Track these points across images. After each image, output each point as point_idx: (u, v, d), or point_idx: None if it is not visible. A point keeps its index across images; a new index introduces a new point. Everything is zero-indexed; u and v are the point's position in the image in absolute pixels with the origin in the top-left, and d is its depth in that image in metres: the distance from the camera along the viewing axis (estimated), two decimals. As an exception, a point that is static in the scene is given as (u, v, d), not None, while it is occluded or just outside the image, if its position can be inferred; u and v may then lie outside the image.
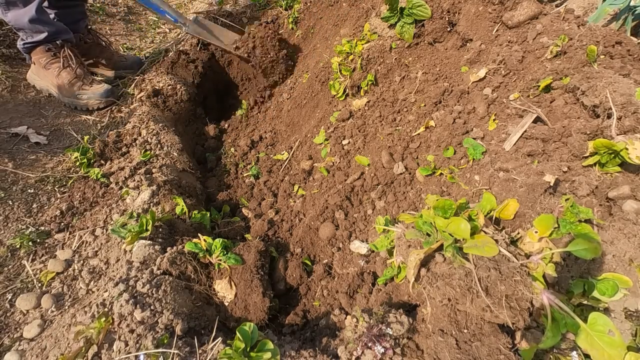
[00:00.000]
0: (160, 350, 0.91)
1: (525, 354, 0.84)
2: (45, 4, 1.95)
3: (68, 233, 1.40)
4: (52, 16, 2.04)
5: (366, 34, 1.87)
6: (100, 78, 2.20)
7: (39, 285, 1.25)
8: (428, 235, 0.93)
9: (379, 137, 1.62)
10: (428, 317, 0.90)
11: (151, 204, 1.42)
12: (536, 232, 0.89)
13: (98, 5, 2.99)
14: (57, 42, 1.98)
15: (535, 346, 0.83)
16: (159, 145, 1.75)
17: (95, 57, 2.27)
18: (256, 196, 1.75)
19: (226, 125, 2.29)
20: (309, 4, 2.48)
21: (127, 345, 0.93)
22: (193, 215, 1.42)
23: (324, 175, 1.65)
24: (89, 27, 2.30)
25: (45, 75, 2.01)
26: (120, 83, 2.24)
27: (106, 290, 1.17)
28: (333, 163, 1.67)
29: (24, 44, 1.96)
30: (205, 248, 1.16)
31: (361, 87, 1.82)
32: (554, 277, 0.88)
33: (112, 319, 0.99)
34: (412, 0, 1.66)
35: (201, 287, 1.13)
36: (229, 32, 2.31)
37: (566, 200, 0.96)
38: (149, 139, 1.76)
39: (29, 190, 1.51)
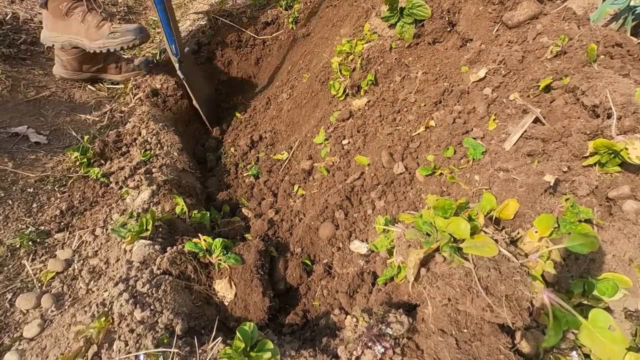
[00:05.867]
0: (160, 349, 0.91)
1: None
2: None
3: (68, 233, 1.40)
4: None
5: (366, 34, 1.87)
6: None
7: (39, 285, 1.25)
8: (428, 235, 0.93)
9: (379, 137, 1.62)
10: (428, 317, 0.90)
11: (151, 204, 1.42)
12: (536, 232, 0.89)
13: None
14: None
15: (539, 347, 0.83)
16: (158, 145, 1.75)
17: (103, 61, 2.23)
18: (256, 196, 1.75)
19: (226, 125, 2.29)
20: (309, 4, 2.48)
21: (127, 344, 0.93)
22: (193, 215, 1.42)
23: (323, 175, 1.65)
24: None
25: (66, 25, 1.82)
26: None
27: (106, 290, 1.17)
28: (333, 163, 1.67)
29: None
30: (205, 248, 1.16)
31: (361, 87, 1.82)
32: (553, 275, 0.88)
33: (112, 318, 0.99)
34: (412, 0, 1.66)
35: (201, 286, 1.13)
36: (203, 80, 2.35)
37: (566, 200, 0.96)
38: (148, 139, 1.76)
39: (29, 190, 1.51)
